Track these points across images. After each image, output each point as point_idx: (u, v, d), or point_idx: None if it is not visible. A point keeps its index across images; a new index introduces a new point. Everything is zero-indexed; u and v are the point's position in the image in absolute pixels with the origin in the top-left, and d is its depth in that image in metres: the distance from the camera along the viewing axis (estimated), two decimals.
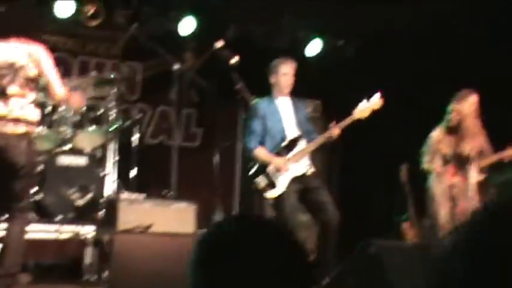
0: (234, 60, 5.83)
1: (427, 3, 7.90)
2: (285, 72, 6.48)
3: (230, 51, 5.95)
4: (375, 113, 6.45)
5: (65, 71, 8.66)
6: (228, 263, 1.57)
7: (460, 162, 6.65)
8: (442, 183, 6.56)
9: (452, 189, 6.42)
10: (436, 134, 6.90)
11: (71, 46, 9.08)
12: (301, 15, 9.29)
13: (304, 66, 6.69)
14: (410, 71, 8.43)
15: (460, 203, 6.38)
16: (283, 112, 6.53)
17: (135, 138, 7.63)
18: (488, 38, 7.85)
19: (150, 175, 7.81)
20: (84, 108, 7.01)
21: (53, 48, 8.65)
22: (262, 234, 1.64)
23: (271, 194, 6.29)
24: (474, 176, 6.53)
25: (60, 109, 6.92)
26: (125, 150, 7.51)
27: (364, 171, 8.89)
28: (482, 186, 6.84)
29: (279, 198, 6.26)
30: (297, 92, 6.72)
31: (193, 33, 9.13)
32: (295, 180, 6.33)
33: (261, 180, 6.32)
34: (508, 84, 7.24)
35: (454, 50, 8.07)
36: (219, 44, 5.98)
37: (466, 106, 6.52)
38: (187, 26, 9.10)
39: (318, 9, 8.79)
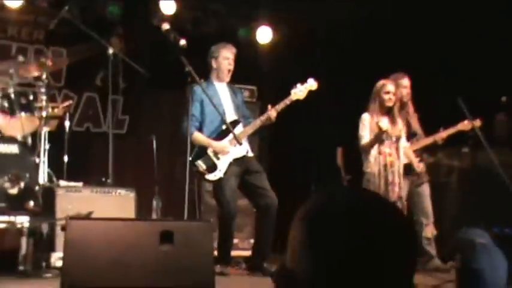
0: (182, 42, 5.73)
1: None
2: (226, 57, 6.52)
3: (177, 34, 5.83)
4: (309, 96, 6.52)
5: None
6: (343, 237, 1.38)
7: (394, 143, 6.76)
8: (378, 164, 6.66)
9: (388, 169, 6.50)
10: (370, 115, 7.00)
11: None
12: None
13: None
14: (343, 57, 8.52)
15: (394, 183, 6.48)
16: (222, 97, 6.55)
17: (66, 125, 7.40)
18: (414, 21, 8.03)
19: (81, 163, 7.63)
20: (13, 94, 6.76)
21: None
22: (377, 207, 1.45)
23: (211, 177, 6.30)
24: (402, 157, 6.63)
25: None
26: (55, 137, 7.28)
27: (298, 157, 8.95)
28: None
29: (220, 181, 6.28)
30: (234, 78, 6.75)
31: (120, 17, 8.94)
32: (236, 162, 6.37)
33: (201, 164, 6.31)
34: (439, 68, 7.42)
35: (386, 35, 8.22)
36: (166, 26, 5.85)
37: (399, 88, 6.67)
38: (114, 10, 8.90)
39: None
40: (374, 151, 6.52)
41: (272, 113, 6.40)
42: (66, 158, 7.25)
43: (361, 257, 1.36)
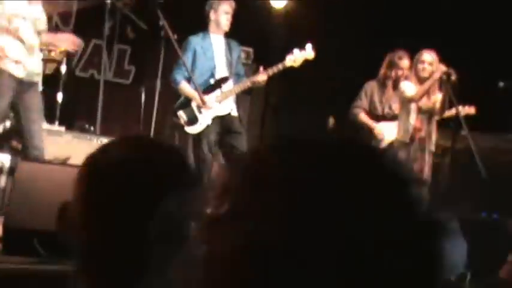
0: None
1: None
2: (226, 11, 6.38)
3: None
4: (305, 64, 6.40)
5: None
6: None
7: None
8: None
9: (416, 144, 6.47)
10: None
11: None
12: None
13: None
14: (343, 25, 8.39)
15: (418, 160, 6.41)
16: (216, 50, 6.43)
17: (63, 69, 7.36)
18: None
19: (77, 108, 7.62)
20: None
21: None
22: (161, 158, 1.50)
23: (191, 130, 6.25)
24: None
25: None
26: (51, 80, 7.26)
27: (290, 124, 8.87)
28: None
29: (199, 135, 6.23)
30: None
31: None
32: (217, 120, 6.29)
33: (183, 115, 6.25)
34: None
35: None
36: None
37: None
38: None
39: None
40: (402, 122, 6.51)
41: (262, 75, 6.31)
42: (59, 102, 7.23)
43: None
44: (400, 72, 6.86)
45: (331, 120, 7.56)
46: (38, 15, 5.47)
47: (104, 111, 7.07)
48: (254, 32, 8.09)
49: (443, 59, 6.43)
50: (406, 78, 6.88)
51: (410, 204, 0.86)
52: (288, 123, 8.73)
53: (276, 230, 0.82)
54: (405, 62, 6.87)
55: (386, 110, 6.97)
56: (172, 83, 6.27)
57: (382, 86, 6.93)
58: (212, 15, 6.41)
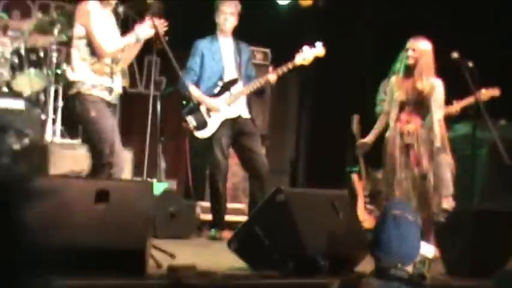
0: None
1: None
2: (229, 12, 6.26)
3: None
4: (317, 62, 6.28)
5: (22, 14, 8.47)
6: None
7: (416, 104, 6.29)
8: (395, 131, 6.35)
9: (406, 137, 6.15)
10: (392, 80, 6.64)
11: None
12: None
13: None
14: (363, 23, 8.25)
15: (413, 151, 6.12)
16: (224, 53, 6.32)
17: None
18: None
19: None
20: (23, 50, 6.81)
21: None
22: None
23: (201, 134, 6.17)
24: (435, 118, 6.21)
25: None
26: None
27: (316, 123, 8.75)
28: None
29: (209, 140, 6.14)
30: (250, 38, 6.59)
31: None
32: (228, 123, 6.18)
33: (192, 119, 6.18)
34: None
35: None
36: None
37: (422, 46, 6.16)
38: None
39: None
40: (392, 118, 6.20)
41: (272, 76, 6.19)
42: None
43: None
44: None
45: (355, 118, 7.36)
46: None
47: (124, 123, 7.10)
48: (271, 32, 7.99)
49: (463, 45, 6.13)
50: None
51: None
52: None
53: None
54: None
55: None
56: (181, 88, 6.20)
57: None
58: (217, 18, 6.31)
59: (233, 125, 6.20)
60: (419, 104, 5.97)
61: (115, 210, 4.05)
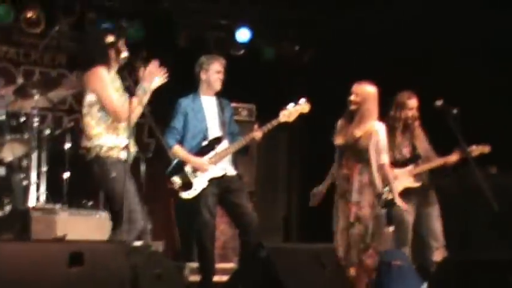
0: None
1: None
2: (217, 70, 6.22)
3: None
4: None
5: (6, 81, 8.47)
6: None
7: (354, 150, 6.11)
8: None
9: (343, 183, 6.02)
10: (338, 124, 6.45)
11: (13, 55, 8.83)
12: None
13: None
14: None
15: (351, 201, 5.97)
16: (208, 111, 6.24)
17: (67, 147, 7.30)
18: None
19: (81, 185, 7.50)
20: (3, 116, 6.74)
21: None
22: None
23: (186, 195, 6.03)
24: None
25: None
26: (54, 159, 7.22)
27: (307, 178, 8.64)
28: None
29: (195, 200, 6.01)
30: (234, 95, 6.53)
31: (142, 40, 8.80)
32: (214, 182, 6.05)
33: (177, 180, 6.06)
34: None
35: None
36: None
37: (366, 90, 6.03)
38: (135, 33, 8.78)
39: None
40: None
41: (257, 133, 6.11)
42: (65, 180, 7.16)
43: None
44: (410, 113, 6.58)
45: None
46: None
47: None
48: (256, 88, 7.96)
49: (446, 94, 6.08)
50: (415, 119, 6.59)
51: None
52: None
53: None
54: (414, 102, 6.59)
55: (398, 155, 6.64)
56: (165, 147, 6.11)
57: (391, 129, 6.56)
58: (203, 76, 6.24)
59: (219, 183, 6.08)
60: (357, 150, 5.88)
61: (90, 273, 3.90)
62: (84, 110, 5.16)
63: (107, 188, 5.15)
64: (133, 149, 5.19)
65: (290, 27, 9.26)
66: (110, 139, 5.06)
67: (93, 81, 5.07)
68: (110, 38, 5.15)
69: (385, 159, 5.85)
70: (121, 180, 4.95)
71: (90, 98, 5.11)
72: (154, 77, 5.17)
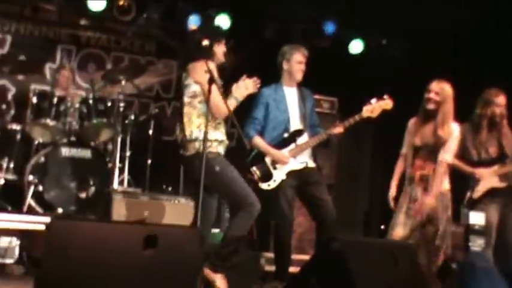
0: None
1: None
2: (299, 60, 6.15)
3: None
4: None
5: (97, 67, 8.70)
6: None
7: (433, 150, 5.98)
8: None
9: (417, 183, 5.92)
10: (411, 123, 6.32)
11: (104, 42, 9.05)
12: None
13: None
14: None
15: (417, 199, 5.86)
16: (290, 102, 6.17)
17: (150, 133, 7.44)
18: None
19: (162, 171, 7.62)
20: (92, 100, 6.91)
21: (86, 44, 8.82)
22: None
23: (266, 186, 5.98)
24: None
25: (66, 100, 6.87)
26: (138, 144, 7.36)
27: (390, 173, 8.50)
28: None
29: (274, 192, 5.96)
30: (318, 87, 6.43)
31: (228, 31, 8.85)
32: (293, 174, 5.99)
33: (257, 171, 6.03)
34: None
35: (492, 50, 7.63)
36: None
37: (446, 89, 5.89)
38: (221, 23, 8.84)
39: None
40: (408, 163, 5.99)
41: (338, 128, 6.02)
42: (147, 165, 7.30)
43: None
44: (497, 110, 6.39)
45: None
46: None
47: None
48: (338, 81, 7.88)
49: None
50: (503, 117, 6.41)
51: None
52: None
53: None
54: (502, 99, 6.40)
55: (484, 154, 6.46)
56: (245, 138, 6.10)
57: (477, 127, 6.41)
58: (285, 65, 6.18)
59: (299, 176, 6.02)
60: (436, 150, 5.75)
61: (163, 256, 3.95)
62: (186, 99, 5.21)
63: (213, 183, 5.16)
64: (227, 142, 5.26)
65: (377, 19, 9.14)
66: (211, 132, 5.10)
67: (200, 73, 5.08)
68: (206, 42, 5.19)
69: (449, 157, 5.74)
70: (226, 172, 5.08)
71: (194, 88, 5.16)
72: (248, 93, 5.26)
